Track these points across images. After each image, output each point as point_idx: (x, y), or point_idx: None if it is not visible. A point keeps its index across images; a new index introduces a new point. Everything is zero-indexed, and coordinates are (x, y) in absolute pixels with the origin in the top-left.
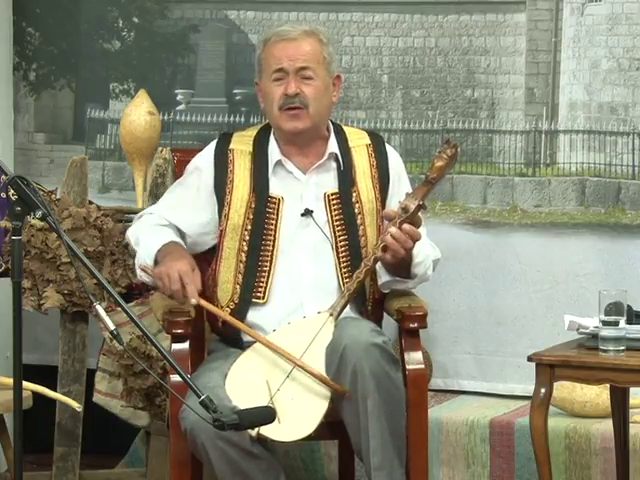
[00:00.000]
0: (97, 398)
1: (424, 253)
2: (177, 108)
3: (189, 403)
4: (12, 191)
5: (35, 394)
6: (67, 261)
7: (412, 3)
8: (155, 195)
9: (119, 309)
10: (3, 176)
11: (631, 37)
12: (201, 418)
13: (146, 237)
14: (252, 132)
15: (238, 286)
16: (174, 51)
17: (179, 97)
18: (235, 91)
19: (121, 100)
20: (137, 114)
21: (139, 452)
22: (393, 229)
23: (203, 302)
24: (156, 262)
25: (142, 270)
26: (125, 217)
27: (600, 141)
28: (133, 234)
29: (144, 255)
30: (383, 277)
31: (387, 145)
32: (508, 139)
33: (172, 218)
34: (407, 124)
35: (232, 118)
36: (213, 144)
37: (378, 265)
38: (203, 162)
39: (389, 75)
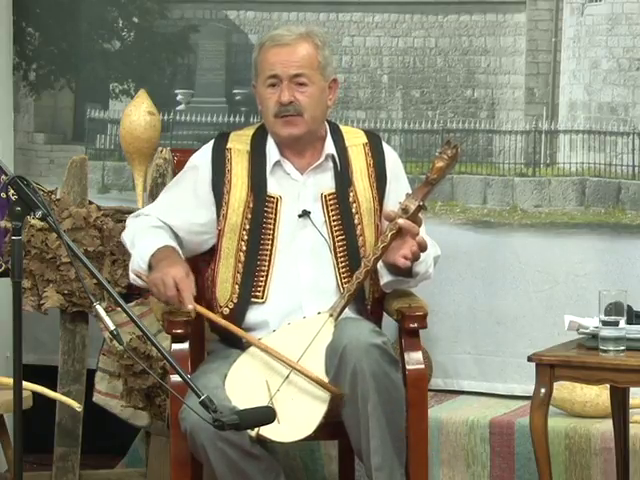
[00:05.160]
0: (97, 398)
1: (425, 251)
2: (177, 108)
3: (189, 403)
4: (12, 191)
5: (35, 394)
6: (67, 261)
7: (412, 3)
8: (155, 195)
9: (119, 309)
10: (3, 176)
11: (631, 37)
12: (201, 418)
13: (140, 240)
14: (249, 131)
15: (237, 286)
16: (174, 51)
17: (179, 97)
18: (235, 91)
19: (121, 100)
20: (137, 114)
21: (139, 452)
22: (401, 220)
23: (199, 307)
24: (150, 266)
25: (136, 275)
26: (125, 217)
27: (600, 141)
28: (128, 236)
29: (138, 259)
30: (385, 277)
31: (384, 144)
32: (508, 139)
33: (167, 219)
34: (407, 124)
35: (232, 118)
36: (210, 143)
37: (380, 265)
38: (200, 161)
39: (389, 75)
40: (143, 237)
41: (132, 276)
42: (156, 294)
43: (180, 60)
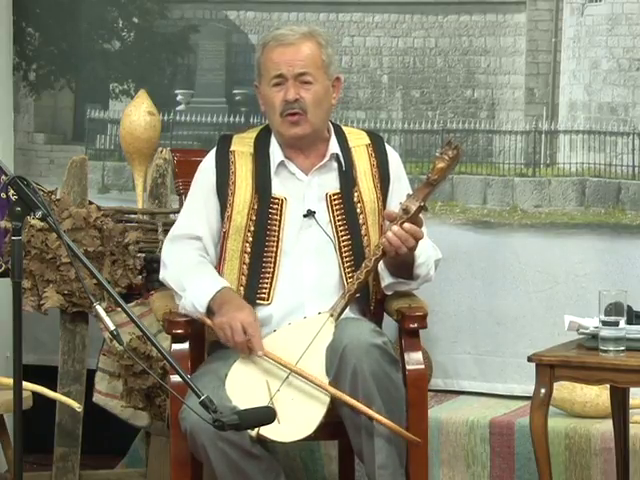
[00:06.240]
0: (97, 398)
1: (426, 254)
2: (177, 108)
3: (189, 403)
4: (12, 191)
5: (35, 394)
6: (67, 261)
7: (412, 3)
8: (155, 195)
9: (119, 309)
10: (3, 176)
11: (631, 37)
12: (201, 418)
13: (191, 283)
14: (252, 134)
15: (242, 288)
16: (174, 51)
17: (179, 97)
18: (235, 91)
19: (121, 100)
20: (137, 114)
21: (139, 452)
22: (395, 227)
23: (269, 353)
24: (208, 309)
25: (197, 319)
26: (125, 217)
27: (600, 141)
28: (172, 277)
29: (194, 303)
30: (386, 279)
31: (387, 145)
32: (508, 139)
33: (199, 232)
34: (407, 124)
35: (232, 118)
36: (214, 148)
37: (381, 267)
38: (206, 166)
39: (389, 75)
40: (192, 278)
41: (182, 311)
42: (223, 338)
43: (180, 60)
